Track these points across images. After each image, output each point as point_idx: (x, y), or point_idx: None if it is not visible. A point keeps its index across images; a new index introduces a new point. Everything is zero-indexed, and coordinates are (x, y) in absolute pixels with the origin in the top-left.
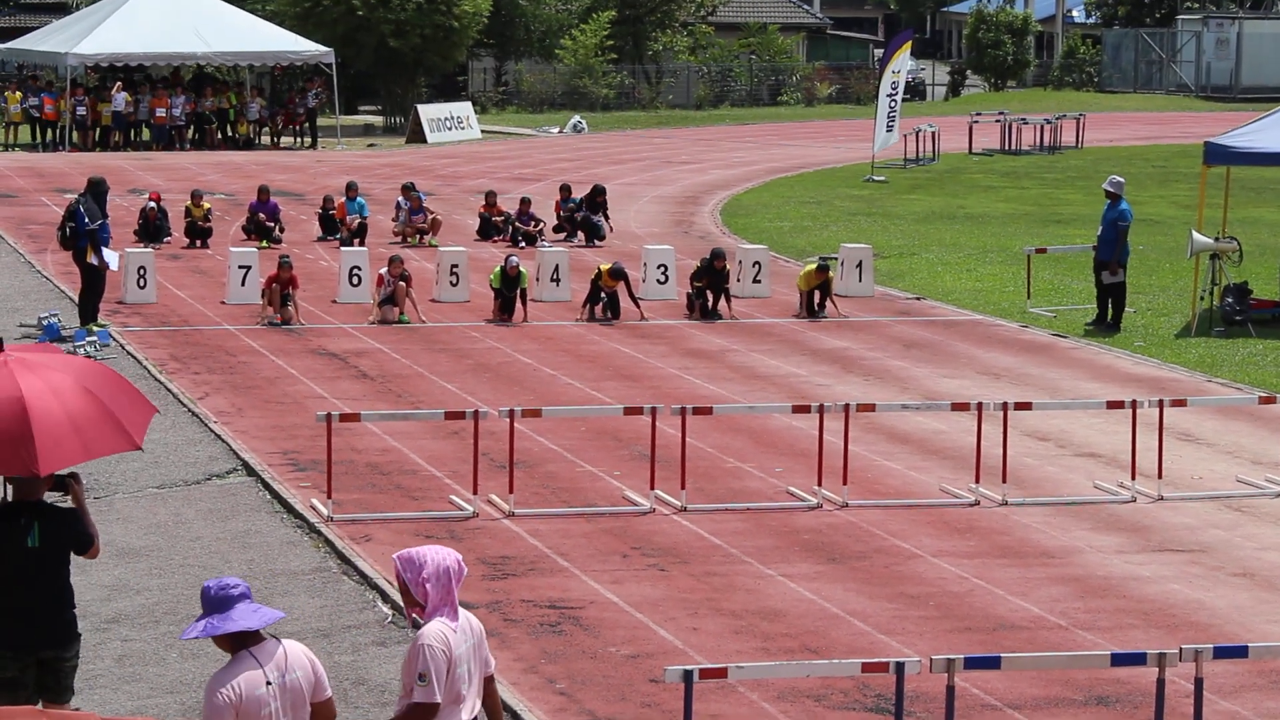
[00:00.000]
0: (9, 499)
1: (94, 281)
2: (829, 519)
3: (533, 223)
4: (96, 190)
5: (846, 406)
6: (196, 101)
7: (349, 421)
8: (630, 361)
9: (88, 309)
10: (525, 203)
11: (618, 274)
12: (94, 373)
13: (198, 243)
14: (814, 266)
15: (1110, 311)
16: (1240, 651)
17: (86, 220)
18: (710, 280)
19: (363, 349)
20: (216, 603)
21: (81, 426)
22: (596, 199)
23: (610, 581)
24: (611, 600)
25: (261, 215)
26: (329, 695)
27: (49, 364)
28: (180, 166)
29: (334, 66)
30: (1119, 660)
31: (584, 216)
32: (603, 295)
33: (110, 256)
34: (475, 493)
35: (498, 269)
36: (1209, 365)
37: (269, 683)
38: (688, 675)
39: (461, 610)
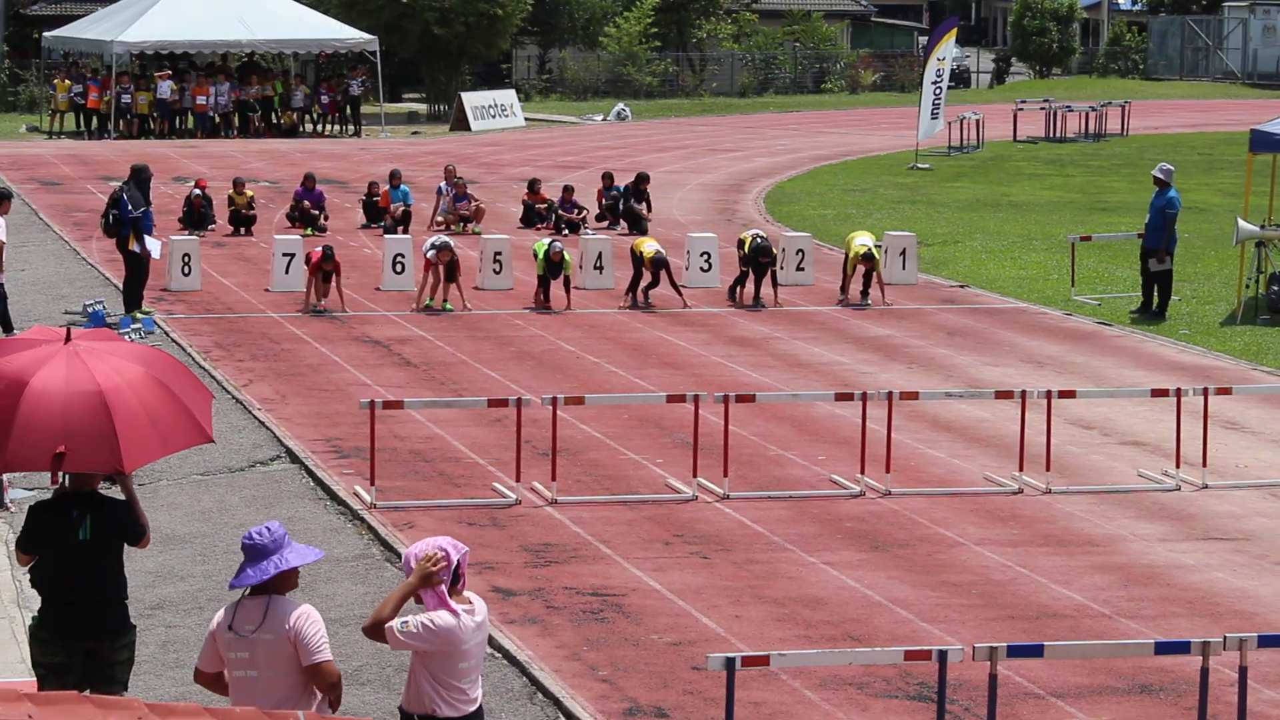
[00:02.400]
0: (64, 487)
1: (138, 269)
2: (872, 507)
3: (576, 210)
4: (140, 178)
5: (890, 394)
6: (241, 89)
7: (392, 409)
8: (673, 349)
9: (132, 296)
10: (568, 190)
11: (660, 263)
12: (159, 361)
13: (241, 230)
14: (861, 250)
15: (1156, 299)
16: None
17: (130, 208)
18: (754, 267)
19: (406, 336)
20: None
21: (158, 419)
22: (641, 186)
23: (653, 569)
24: (654, 588)
25: (306, 203)
26: (315, 661)
27: (116, 352)
28: (225, 154)
29: (378, 54)
30: (1163, 649)
31: (627, 205)
32: (647, 274)
33: (153, 245)
34: (518, 480)
35: (542, 249)
36: (1254, 353)
37: (230, 627)
38: (730, 663)
39: (476, 600)
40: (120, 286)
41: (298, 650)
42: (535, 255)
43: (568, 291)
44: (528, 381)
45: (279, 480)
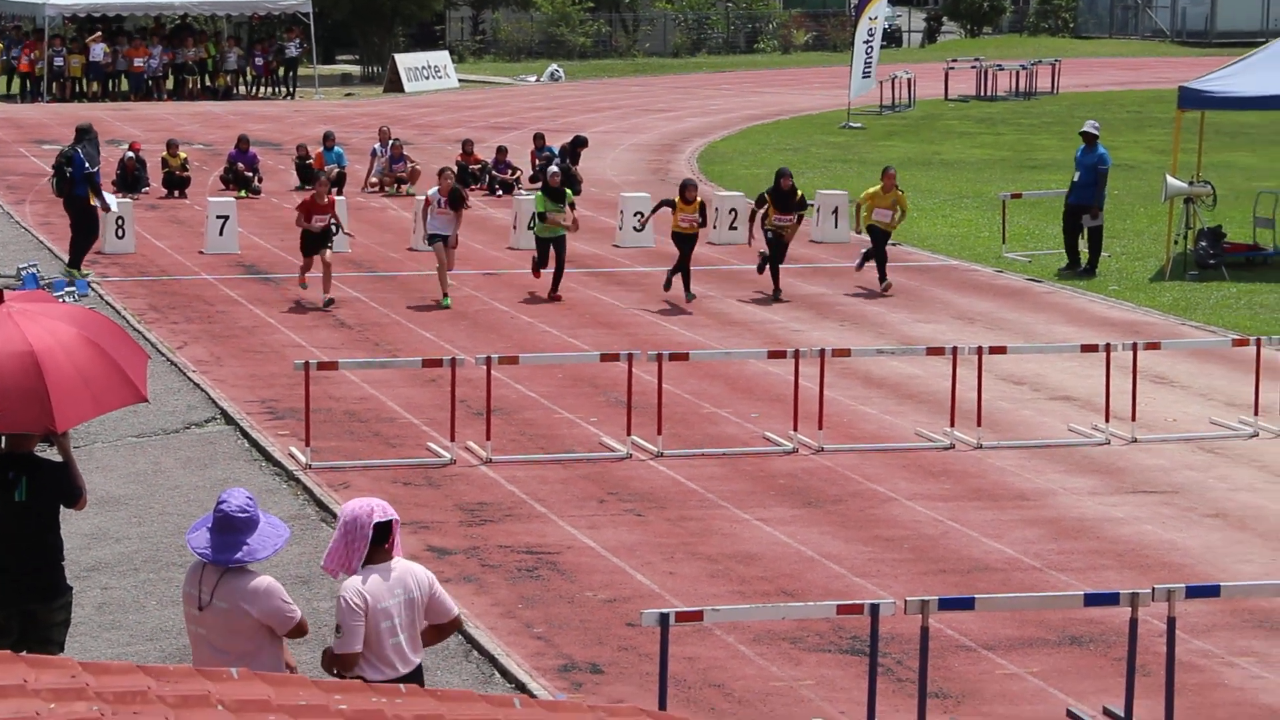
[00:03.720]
0: (1, 449)
1: (91, 225)
2: (805, 463)
3: (509, 171)
4: (89, 136)
5: (822, 352)
6: (174, 52)
7: (327, 370)
8: (607, 309)
9: (80, 251)
10: (502, 151)
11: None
12: (93, 322)
13: (175, 193)
14: (878, 187)
15: (1085, 255)
16: (1212, 591)
17: (86, 165)
18: (779, 205)
19: (340, 298)
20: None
21: (90, 379)
22: (577, 150)
23: (587, 527)
24: (588, 545)
25: (240, 165)
26: (291, 626)
27: (49, 313)
28: (159, 117)
29: (311, 16)
30: (1092, 600)
31: (564, 167)
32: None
33: (110, 199)
34: (453, 440)
35: (538, 195)
36: (1183, 308)
37: (196, 591)
38: (664, 619)
39: (402, 563)
40: (55, 250)
41: (272, 625)
42: (534, 215)
43: (572, 208)
44: (462, 342)
45: (214, 442)
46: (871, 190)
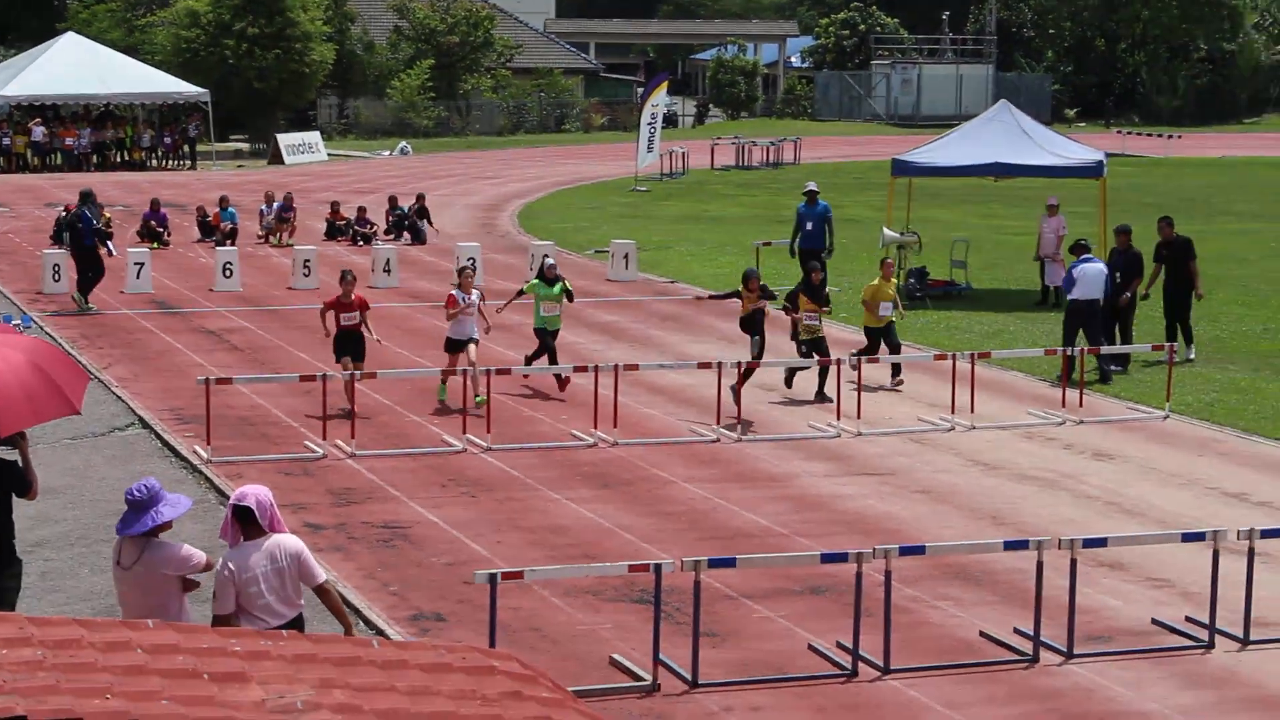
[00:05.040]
0: None
1: (99, 268)
2: (604, 454)
3: (368, 225)
4: (91, 200)
5: (616, 366)
6: (99, 132)
7: (223, 384)
8: (443, 333)
9: (88, 285)
10: (362, 210)
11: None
12: (41, 350)
13: (64, 246)
14: (878, 282)
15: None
16: (919, 550)
17: (94, 222)
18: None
19: (234, 327)
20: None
21: (32, 394)
22: (421, 204)
23: (432, 506)
24: (433, 521)
25: (153, 222)
26: (197, 574)
27: (5, 343)
28: (87, 185)
29: (210, 104)
30: (827, 559)
31: (411, 221)
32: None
33: (111, 247)
34: (325, 438)
35: (534, 282)
36: (897, 331)
37: (118, 563)
38: (493, 578)
39: (275, 537)
40: (5, 291)
41: (184, 573)
42: (535, 302)
43: (570, 298)
44: (331, 361)
45: (134, 442)
46: (872, 284)
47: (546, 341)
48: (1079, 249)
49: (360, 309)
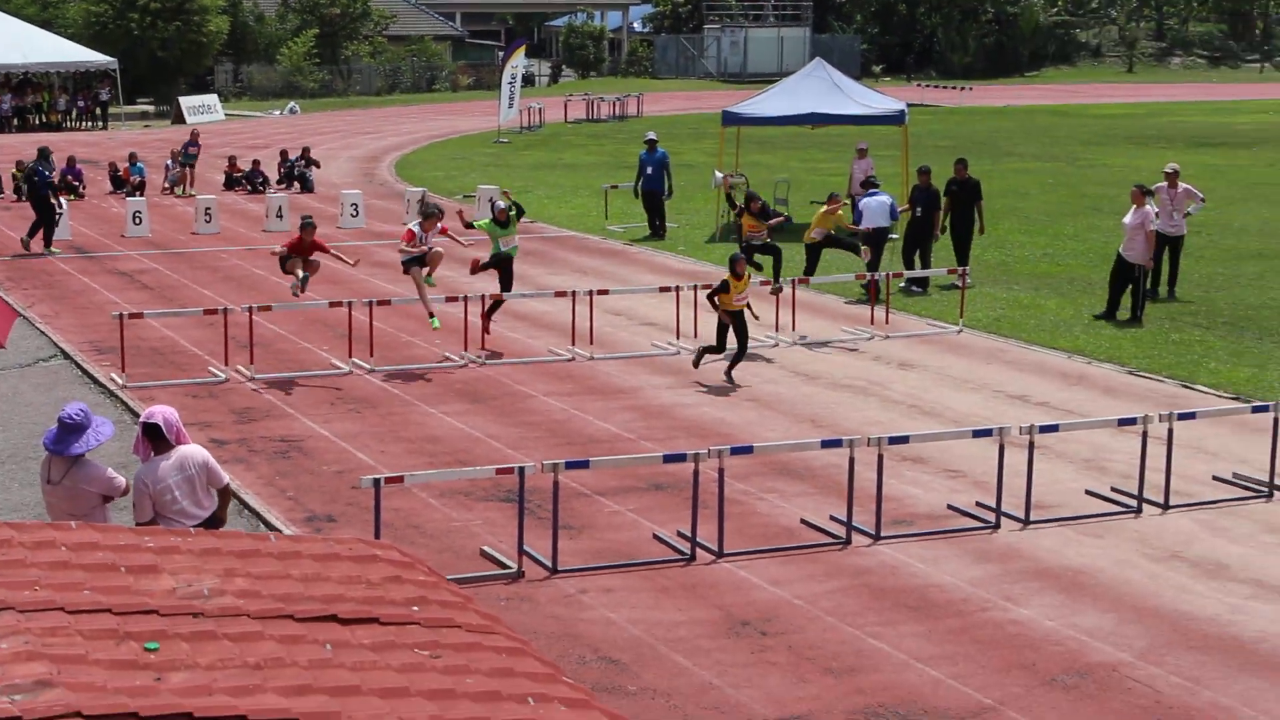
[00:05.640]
0: None
1: (53, 216)
2: (473, 373)
3: (261, 178)
4: (46, 156)
5: (483, 297)
6: (19, 98)
7: (136, 319)
8: (332, 270)
9: (39, 230)
10: (256, 163)
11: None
12: None
13: (22, 197)
14: (823, 208)
15: (662, 225)
16: (748, 450)
17: (47, 174)
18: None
19: (144, 268)
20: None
21: None
22: (307, 155)
23: (323, 421)
24: (324, 434)
25: (69, 176)
26: (118, 491)
27: None
28: (9, 145)
29: (118, 71)
30: (669, 459)
31: (300, 172)
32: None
33: (62, 200)
34: (226, 364)
35: (485, 221)
36: (725, 261)
37: (48, 480)
38: (377, 482)
39: (184, 449)
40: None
41: (107, 493)
42: (490, 238)
43: (522, 215)
44: (231, 297)
45: (57, 372)
46: (821, 210)
47: (507, 268)
48: (868, 184)
49: (319, 251)
